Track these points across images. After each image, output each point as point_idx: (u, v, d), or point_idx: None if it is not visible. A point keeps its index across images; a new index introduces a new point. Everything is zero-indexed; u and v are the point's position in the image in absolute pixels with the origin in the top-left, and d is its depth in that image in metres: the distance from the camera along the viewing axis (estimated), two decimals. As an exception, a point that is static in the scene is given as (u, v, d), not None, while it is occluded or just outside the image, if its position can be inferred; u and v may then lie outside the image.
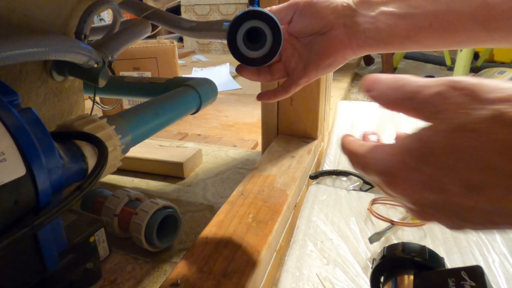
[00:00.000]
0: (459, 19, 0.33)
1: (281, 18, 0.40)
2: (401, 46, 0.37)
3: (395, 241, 0.50)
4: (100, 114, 0.99)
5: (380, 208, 0.57)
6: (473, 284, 0.26)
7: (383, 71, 1.78)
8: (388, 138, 0.25)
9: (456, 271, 0.27)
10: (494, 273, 0.45)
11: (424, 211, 0.23)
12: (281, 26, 0.39)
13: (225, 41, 0.50)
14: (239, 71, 0.43)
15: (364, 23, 0.37)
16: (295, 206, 0.61)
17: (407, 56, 1.89)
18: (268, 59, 0.40)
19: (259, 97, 0.46)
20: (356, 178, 0.66)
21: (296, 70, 0.42)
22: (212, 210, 0.69)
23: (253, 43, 0.40)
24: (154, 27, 0.72)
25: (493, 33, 0.32)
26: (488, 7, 0.31)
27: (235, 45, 0.40)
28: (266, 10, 0.39)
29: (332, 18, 0.38)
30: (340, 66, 0.41)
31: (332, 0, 0.38)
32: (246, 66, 0.42)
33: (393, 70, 1.82)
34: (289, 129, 0.81)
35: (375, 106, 0.93)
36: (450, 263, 0.47)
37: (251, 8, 0.39)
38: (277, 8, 0.41)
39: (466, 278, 0.26)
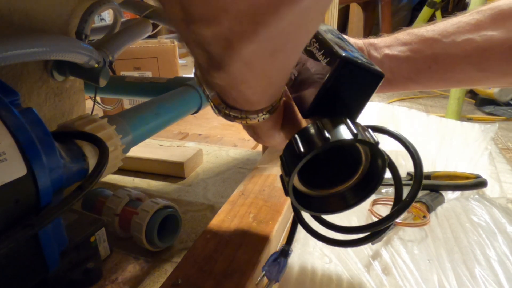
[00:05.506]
0: (455, 61, 0.36)
1: None
2: (403, 86, 0.40)
3: (396, 242, 0.50)
4: (101, 114, 0.99)
5: (380, 209, 0.57)
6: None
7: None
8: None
9: None
10: (495, 272, 0.45)
11: None
12: None
13: None
14: None
15: None
16: (296, 205, 0.61)
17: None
18: None
19: None
20: (357, 178, 0.66)
21: None
22: (212, 209, 0.69)
23: None
24: (154, 26, 0.72)
25: (487, 73, 0.36)
26: (480, 50, 0.35)
27: None
28: None
29: None
30: None
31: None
32: None
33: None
34: (290, 128, 0.80)
35: (374, 105, 0.93)
36: (450, 263, 0.47)
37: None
38: None
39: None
